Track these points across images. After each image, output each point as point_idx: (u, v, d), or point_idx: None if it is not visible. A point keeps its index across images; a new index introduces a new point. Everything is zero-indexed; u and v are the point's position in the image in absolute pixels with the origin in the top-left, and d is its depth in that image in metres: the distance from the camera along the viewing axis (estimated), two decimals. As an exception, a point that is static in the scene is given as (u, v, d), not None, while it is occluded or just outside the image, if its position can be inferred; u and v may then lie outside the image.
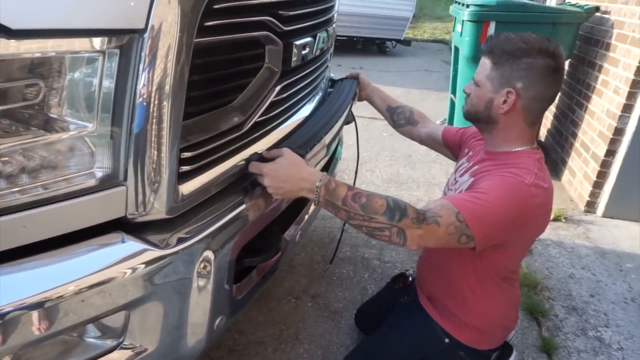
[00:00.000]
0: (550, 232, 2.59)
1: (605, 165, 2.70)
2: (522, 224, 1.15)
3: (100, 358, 0.81)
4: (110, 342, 0.81)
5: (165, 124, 0.76)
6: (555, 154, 3.40)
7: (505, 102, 1.20)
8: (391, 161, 3.47)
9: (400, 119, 1.74)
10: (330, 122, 1.30)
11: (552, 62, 1.16)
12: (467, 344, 1.39)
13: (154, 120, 0.75)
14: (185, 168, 0.86)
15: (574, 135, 3.13)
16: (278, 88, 1.08)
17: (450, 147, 1.62)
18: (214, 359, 1.65)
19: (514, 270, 1.36)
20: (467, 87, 1.32)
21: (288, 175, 1.01)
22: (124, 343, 0.82)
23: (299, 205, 1.32)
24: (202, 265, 0.85)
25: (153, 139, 0.76)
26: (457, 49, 3.43)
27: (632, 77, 2.51)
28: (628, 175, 2.63)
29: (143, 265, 0.77)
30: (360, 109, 3.66)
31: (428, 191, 3.02)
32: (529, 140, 1.26)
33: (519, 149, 1.25)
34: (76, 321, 0.73)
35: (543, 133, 3.74)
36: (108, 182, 0.76)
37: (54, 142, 0.71)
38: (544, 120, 3.74)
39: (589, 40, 3.12)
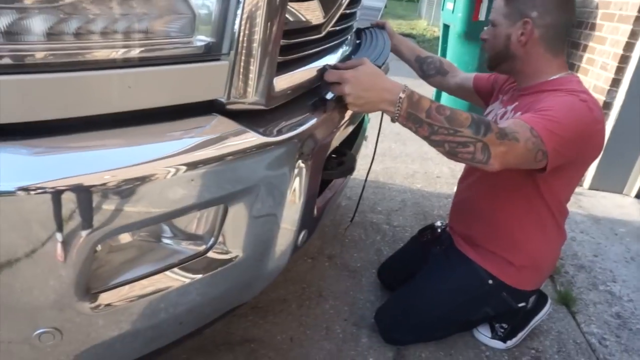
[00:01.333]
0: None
1: (594, 138, 2.80)
2: (586, 139, 1.16)
3: (190, 261, 0.71)
4: (202, 243, 0.72)
5: (278, -7, 0.68)
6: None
7: (522, 34, 1.21)
8: (381, 137, 3.44)
9: (430, 69, 1.71)
10: (382, 54, 1.25)
11: None
12: (512, 285, 1.38)
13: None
14: (281, 58, 0.78)
15: (559, 113, 3.24)
16: (346, 1, 1.02)
17: (481, 94, 1.61)
18: (237, 315, 1.55)
19: (566, 203, 1.36)
20: (484, 33, 1.32)
21: (371, 83, 0.95)
22: (217, 245, 0.72)
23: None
24: (299, 162, 0.77)
25: (261, 8, 0.68)
26: (446, 27, 3.47)
27: (620, 52, 2.63)
28: (614, 148, 2.75)
29: (248, 149, 0.68)
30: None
31: (423, 164, 3.03)
32: (561, 67, 1.26)
33: (555, 76, 1.24)
34: (178, 206, 0.63)
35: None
36: (210, 53, 0.67)
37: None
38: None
39: (573, 22, 3.24)
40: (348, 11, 1.15)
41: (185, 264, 0.71)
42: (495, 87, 1.55)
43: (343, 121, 0.97)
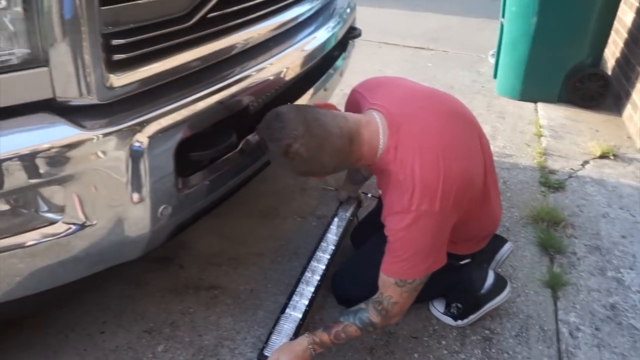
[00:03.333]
0: (593, 169, 2.36)
1: (671, 97, 2.35)
2: (445, 232, 1.17)
3: (43, 229, 0.87)
4: (54, 216, 0.87)
5: (80, 4, 0.75)
6: (619, 86, 3.01)
7: None
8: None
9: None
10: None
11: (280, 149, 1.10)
12: (448, 251, 1.36)
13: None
14: (119, 56, 0.86)
15: (643, 64, 2.73)
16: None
17: None
18: (214, 264, 1.75)
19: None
20: None
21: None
22: (67, 216, 0.87)
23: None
24: (133, 150, 0.87)
25: (67, 20, 0.76)
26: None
27: None
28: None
29: (67, 144, 0.81)
30: (407, 38, 3.36)
31: (464, 123, 2.84)
32: (362, 147, 1.18)
33: (377, 156, 1.18)
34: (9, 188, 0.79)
35: (611, 63, 3.31)
36: (30, 62, 0.78)
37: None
38: (612, 48, 3.29)
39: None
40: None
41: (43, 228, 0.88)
42: None
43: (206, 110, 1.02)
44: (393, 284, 1.16)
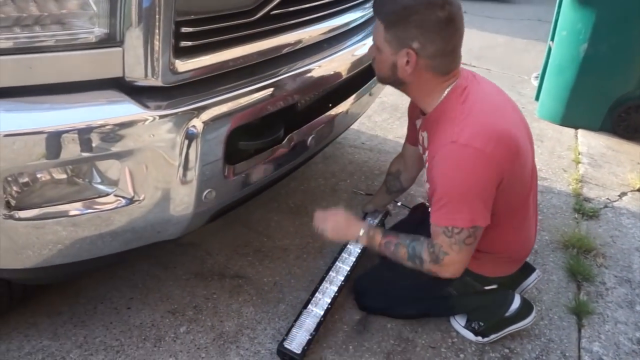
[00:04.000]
0: (630, 201, 2.30)
1: None
2: (493, 175, 1.14)
3: (97, 199, 0.92)
4: (106, 188, 0.92)
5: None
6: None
7: (408, 62, 1.15)
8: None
9: (394, 186, 1.75)
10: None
11: (443, 13, 1.08)
12: (472, 270, 1.37)
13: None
14: (186, 43, 0.91)
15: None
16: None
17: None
18: (240, 254, 1.79)
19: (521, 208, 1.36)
20: (369, 51, 1.28)
21: (337, 229, 1.37)
22: (118, 190, 0.92)
23: (320, 109, 1.33)
24: (188, 134, 0.91)
25: (146, 7, 0.81)
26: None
27: None
28: None
29: (132, 121, 0.85)
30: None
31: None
32: (449, 79, 1.21)
33: (443, 95, 1.21)
34: (68, 158, 0.84)
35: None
36: (106, 42, 0.83)
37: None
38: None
39: None
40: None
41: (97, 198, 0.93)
42: (414, 121, 1.48)
43: (259, 99, 1.06)
44: (441, 233, 1.17)
